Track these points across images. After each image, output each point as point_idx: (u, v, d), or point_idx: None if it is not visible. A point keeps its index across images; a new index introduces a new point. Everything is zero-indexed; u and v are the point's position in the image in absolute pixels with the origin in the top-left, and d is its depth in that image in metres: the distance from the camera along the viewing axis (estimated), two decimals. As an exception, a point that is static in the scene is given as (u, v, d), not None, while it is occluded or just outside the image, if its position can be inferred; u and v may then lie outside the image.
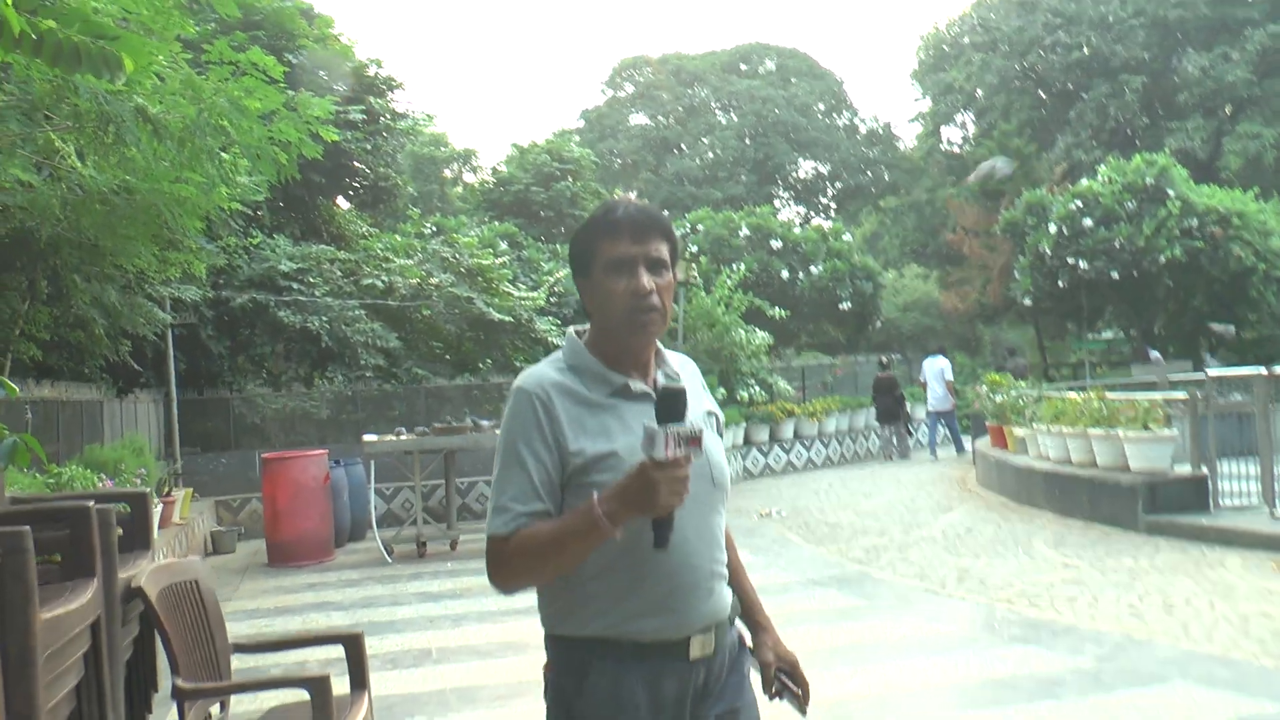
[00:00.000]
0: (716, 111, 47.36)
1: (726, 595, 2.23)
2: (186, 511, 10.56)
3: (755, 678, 2.33)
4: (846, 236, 25.77)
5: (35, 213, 7.35)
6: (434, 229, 19.52)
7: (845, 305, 23.32)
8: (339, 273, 14.98)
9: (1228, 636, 6.26)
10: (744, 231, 23.10)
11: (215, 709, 3.76)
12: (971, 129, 40.27)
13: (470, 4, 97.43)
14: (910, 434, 20.46)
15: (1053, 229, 21.45)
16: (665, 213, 2.28)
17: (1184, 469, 10.39)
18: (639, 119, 48.05)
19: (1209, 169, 29.72)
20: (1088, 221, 20.94)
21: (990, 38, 38.12)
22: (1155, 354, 19.52)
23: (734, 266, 19.92)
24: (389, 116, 17.98)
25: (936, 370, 19.31)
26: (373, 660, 6.64)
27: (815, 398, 20.56)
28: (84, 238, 7.87)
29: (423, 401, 15.40)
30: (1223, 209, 20.65)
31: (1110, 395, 11.39)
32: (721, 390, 17.27)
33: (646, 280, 2.12)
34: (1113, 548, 9.37)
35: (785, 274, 22.60)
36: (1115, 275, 20.72)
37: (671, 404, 1.96)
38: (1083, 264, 20.82)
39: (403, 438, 11.08)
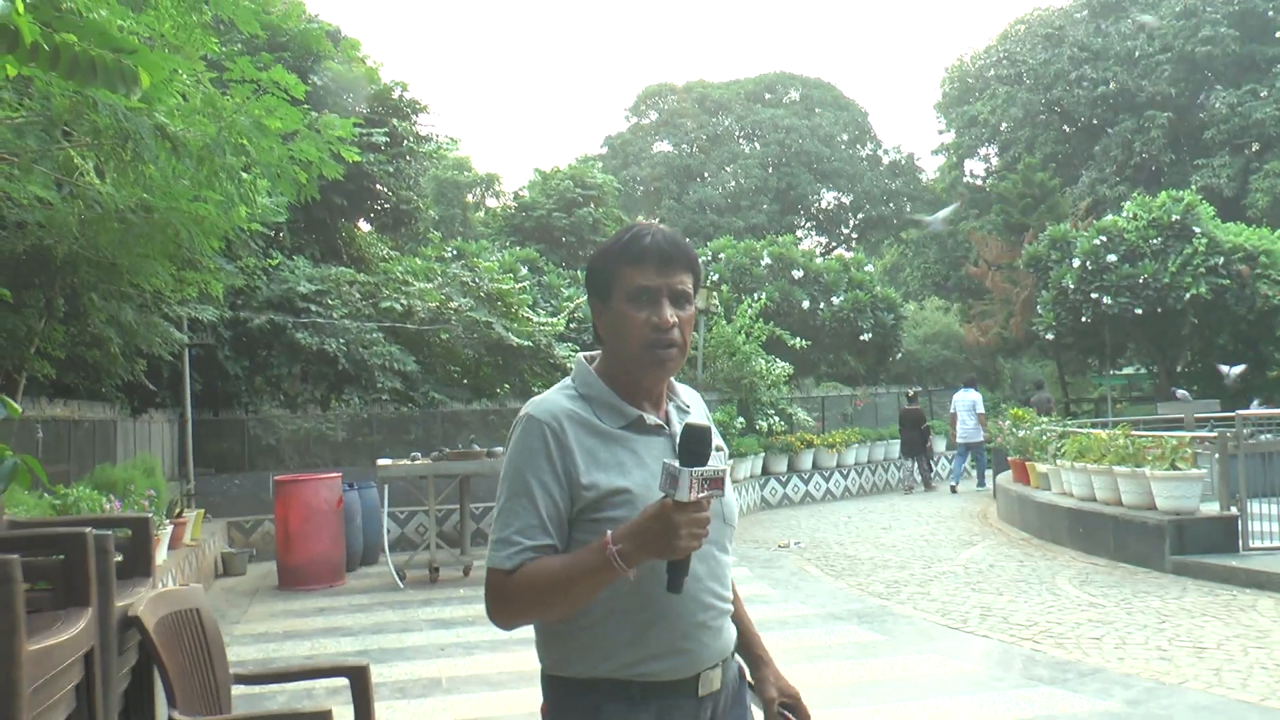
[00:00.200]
0: (740, 140, 47.40)
1: (732, 631, 2.18)
2: (198, 533, 10.46)
3: (757, 713, 2.27)
4: (868, 267, 25.69)
5: (53, 230, 7.31)
6: (455, 253, 19.49)
7: (866, 336, 23.20)
8: (358, 295, 14.94)
9: (1264, 684, 6.05)
10: (765, 260, 23.04)
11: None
12: (995, 162, 40.13)
13: (498, 30, 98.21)
14: (931, 468, 20.26)
15: (1076, 264, 21.26)
16: (689, 242, 2.16)
17: (1212, 508, 10.20)
18: (662, 146, 48.10)
19: (1235, 207, 29.49)
20: (1112, 257, 20.76)
21: (1016, 71, 38.06)
22: (1183, 392, 19.26)
23: (755, 295, 19.84)
24: (413, 140, 17.99)
25: (969, 403, 19.13)
26: (381, 689, 6.53)
27: (835, 429, 20.37)
28: (101, 256, 7.81)
29: (439, 426, 15.29)
30: (1249, 247, 20.45)
31: (1135, 433, 11.21)
32: (740, 420, 17.13)
33: (669, 314, 2.04)
34: (1139, 588, 9.16)
35: (806, 304, 22.50)
36: (1139, 311, 20.50)
37: (697, 444, 1.87)
38: (1106, 299, 20.61)
39: (417, 462, 10.98)
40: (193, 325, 12.05)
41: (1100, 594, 8.99)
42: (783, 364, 18.27)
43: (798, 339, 19.39)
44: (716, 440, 2.23)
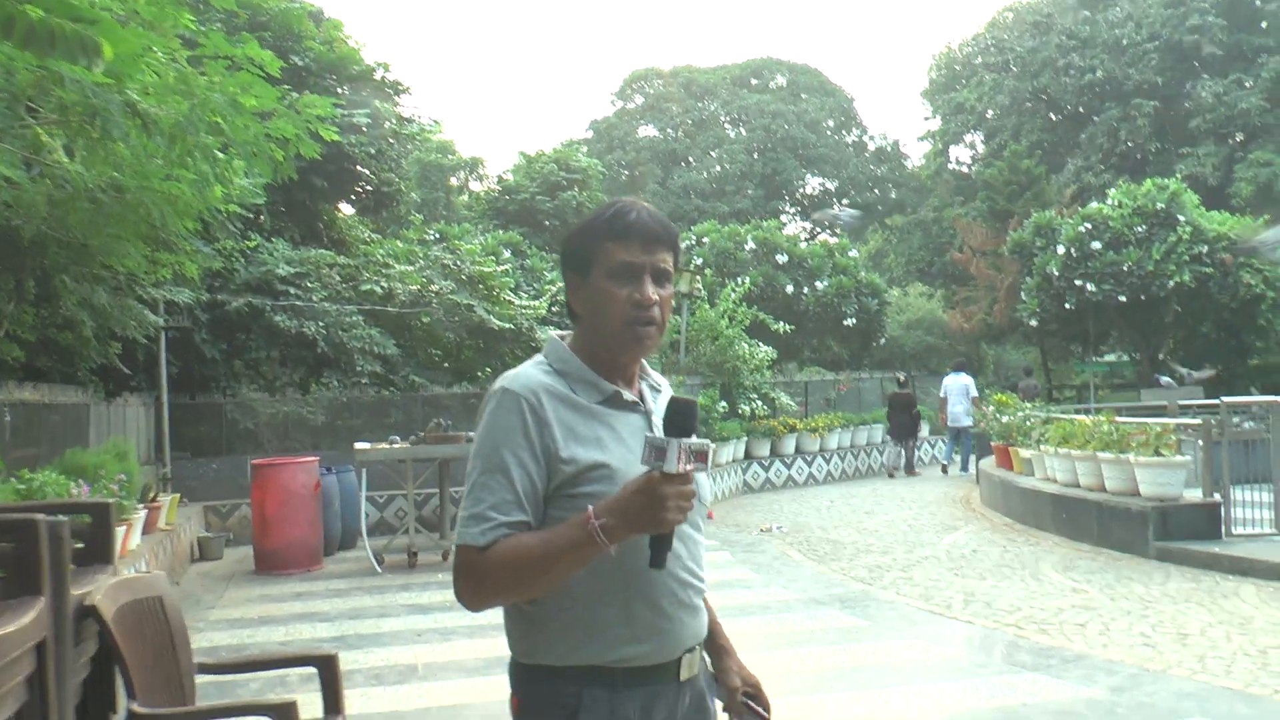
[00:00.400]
0: (726, 125, 47.31)
1: (705, 613, 2.14)
2: (173, 517, 10.32)
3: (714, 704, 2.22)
4: (852, 253, 25.63)
5: (21, 210, 7.14)
6: (436, 236, 19.32)
7: (850, 321, 23.17)
8: (338, 277, 14.77)
9: (1247, 671, 6.01)
10: (749, 245, 22.95)
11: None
12: (981, 149, 40.12)
13: (483, 13, 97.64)
14: (914, 452, 20.27)
15: (1061, 251, 21.23)
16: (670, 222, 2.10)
17: (1195, 495, 10.19)
18: (648, 131, 47.98)
19: (1220, 195, 29.49)
20: (1096, 244, 20.73)
21: (1003, 58, 38.01)
22: (1167, 379, 19.27)
23: (739, 280, 19.74)
24: (395, 121, 17.79)
25: (961, 386, 19.13)
26: (356, 675, 6.44)
27: (818, 413, 20.34)
28: (72, 237, 7.65)
29: (420, 409, 15.15)
30: (1233, 235, 20.43)
31: (1119, 419, 11.19)
32: (723, 404, 17.06)
33: (651, 291, 2.01)
34: (1122, 574, 9.13)
35: (790, 289, 22.44)
36: (1123, 299, 20.49)
37: (683, 416, 1.85)
38: (1090, 287, 20.59)
39: (396, 445, 10.87)
40: (169, 308, 11.88)
41: (1084, 580, 8.95)
42: (766, 348, 18.20)
43: (781, 324, 19.32)
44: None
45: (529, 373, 2.03)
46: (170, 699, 3.28)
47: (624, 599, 1.94)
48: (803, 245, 25.02)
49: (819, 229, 28.03)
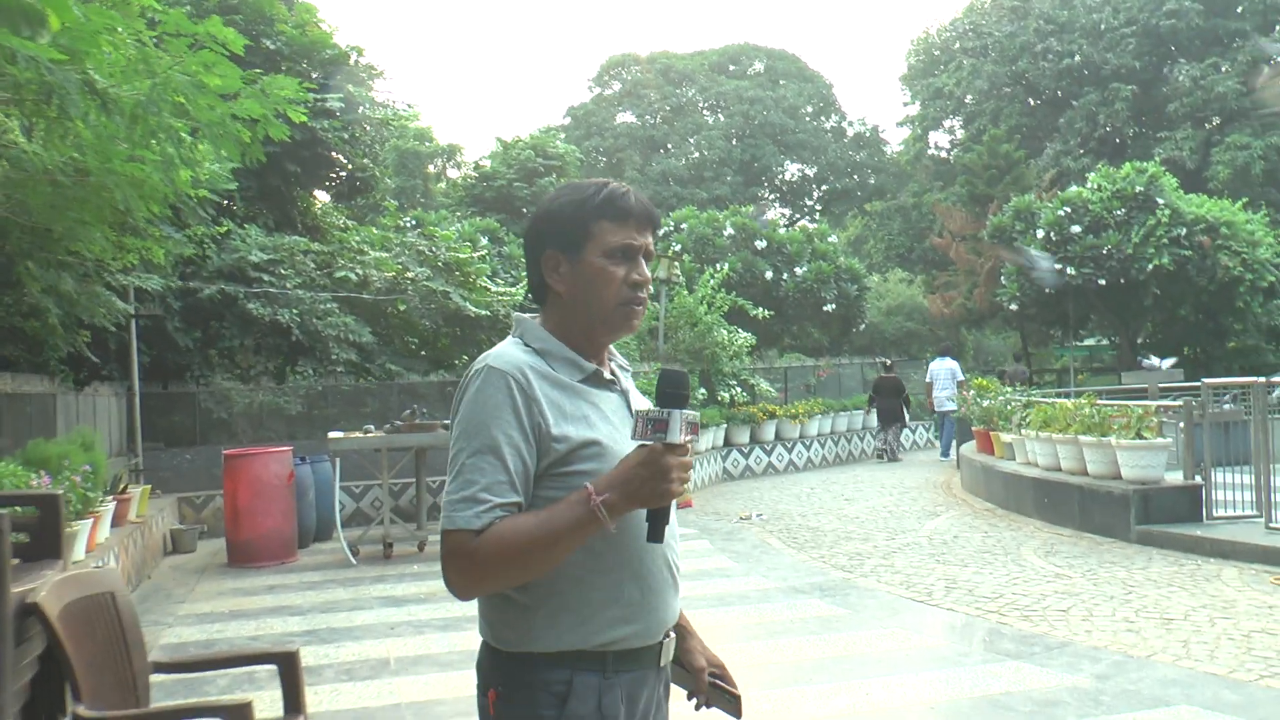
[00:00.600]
0: (704, 111, 47.14)
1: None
2: (144, 509, 10.13)
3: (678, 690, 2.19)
4: (832, 238, 25.53)
5: (-23, 192, 6.94)
6: (412, 222, 19.10)
7: (829, 307, 23.08)
8: (312, 264, 14.53)
9: (1232, 656, 5.94)
10: (728, 231, 22.80)
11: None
12: (960, 134, 40.09)
13: (459, 0, 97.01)
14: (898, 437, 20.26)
15: (1040, 235, 21.19)
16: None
17: (1176, 478, 10.15)
18: (626, 117, 47.74)
19: (1197, 179, 29.56)
20: (1076, 228, 20.68)
21: (981, 43, 37.94)
22: (1150, 361, 19.29)
23: (717, 266, 19.59)
24: (368, 105, 17.55)
25: (948, 370, 19.19)
26: (326, 670, 6.30)
27: (798, 400, 20.25)
28: (34, 221, 7.45)
29: (396, 398, 14.97)
30: (1211, 218, 20.44)
31: (1101, 402, 11.14)
32: (702, 391, 16.95)
33: (647, 271, 2.03)
34: (1105, 558, 9.07)
35: (769, 274, 22.32)
36: (1102, 282, 20.47)
37: (677, 387, 1.84)
38: (1070, 270, 20.57)
39: (370, 434, 10.70)
40: (139, 295, 11.65)
41: (1066, 565, 8.89)
42: (745, 335, 18.07)
43: (760, 309, 19.19)
44: (647, 404, 2.14)
45: (510, 351, 1.97)
46: (121, 700, 3.13)
47: (615, 579, 1.91)
48: (782, 231, 24.90)
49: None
